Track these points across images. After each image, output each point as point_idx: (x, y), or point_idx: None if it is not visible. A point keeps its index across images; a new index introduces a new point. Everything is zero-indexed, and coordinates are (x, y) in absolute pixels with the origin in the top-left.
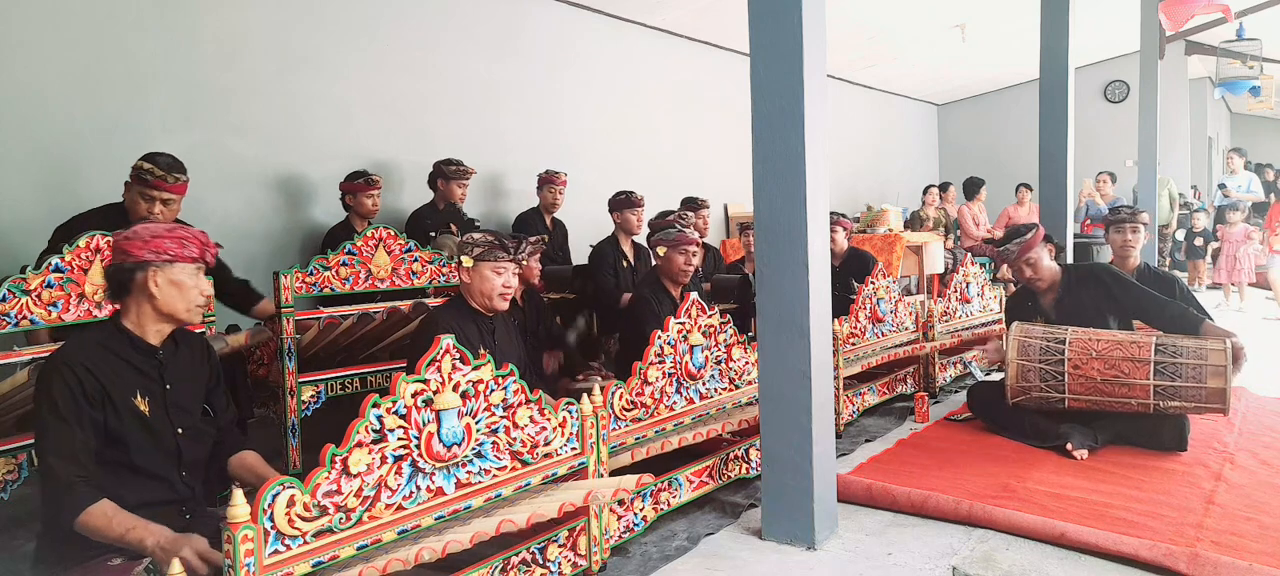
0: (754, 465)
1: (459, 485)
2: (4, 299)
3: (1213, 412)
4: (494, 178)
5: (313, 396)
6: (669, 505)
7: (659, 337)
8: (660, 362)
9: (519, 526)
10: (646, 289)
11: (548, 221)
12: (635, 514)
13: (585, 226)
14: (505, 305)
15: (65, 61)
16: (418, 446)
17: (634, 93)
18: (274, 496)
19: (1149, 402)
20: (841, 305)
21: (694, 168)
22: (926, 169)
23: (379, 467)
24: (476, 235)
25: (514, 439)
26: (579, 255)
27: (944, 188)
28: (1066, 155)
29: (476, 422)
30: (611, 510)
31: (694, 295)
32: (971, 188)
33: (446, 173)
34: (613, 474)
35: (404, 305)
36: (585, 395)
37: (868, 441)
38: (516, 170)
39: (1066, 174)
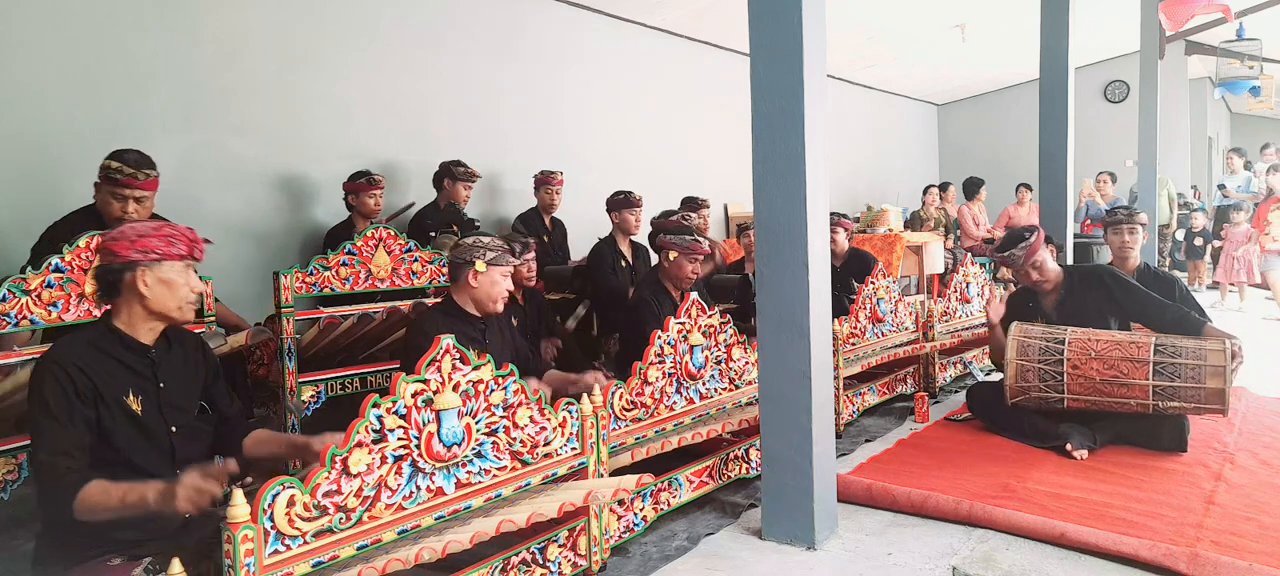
0: (754, 465)
1: (459, 485)
2: (4, 299)
3: (1212, 413)
4: (494, 177)
5: (313, 396)
6: (669, 505)
7: (659, 337)
8: (660, 362)
9: (519, 526)
10: (646, 290)
11: (547, 221)
12: (635, 514)
13: (585, 226)
14: (502, 307)
15: (65, 61)
16: (418, 446)
17: (634, 93)
18: (274, 496)
19: (1148, 403)
20: (842, 305)
21: (694, 167)
22: (926, 169)
23: (379, 467)
24: (486, 238)
25: (514, 439)
26: (579, 255)
27: (944, 188)
28: (1066, 155)
29: (476, 423)
30: (611, 510)
31: (694, 295)
32: (971, 188)
33: (454, 174)
34: (613, 474)
35: (404, 305)
36: (585, 395)
37: (868, 441)
38: (516, 170)
39: (1066, 174)
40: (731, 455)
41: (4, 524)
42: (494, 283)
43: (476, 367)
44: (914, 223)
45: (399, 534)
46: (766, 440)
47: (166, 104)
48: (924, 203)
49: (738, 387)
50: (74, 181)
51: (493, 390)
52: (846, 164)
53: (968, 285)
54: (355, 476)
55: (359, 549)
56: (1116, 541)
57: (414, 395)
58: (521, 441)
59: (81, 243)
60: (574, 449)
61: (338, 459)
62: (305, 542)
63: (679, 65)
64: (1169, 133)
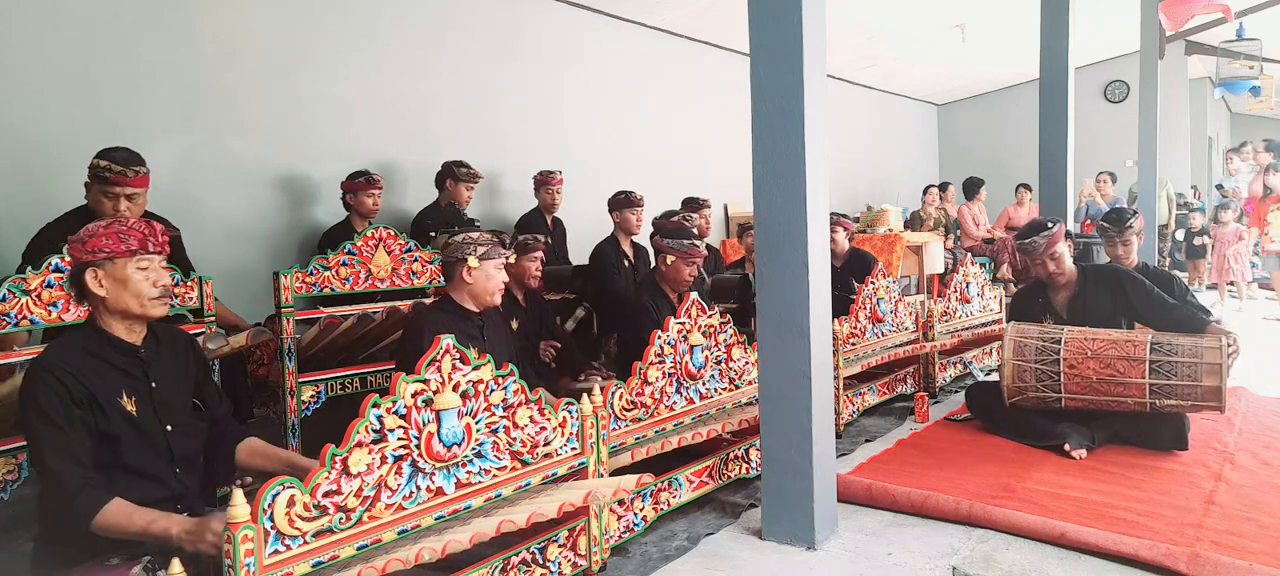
0: (754, 465)
1: (459, 485)
2: (4, 299)
3: (1209, 410)
4: (493, 177)
5: (313, 396)
6: (669, 505)
7: (659, 337)
8: (660, 363)
9: (519, 526)
10: (645, 293)
11: (548, 221)
12: (635, 514)
13: (585, 226)
14: (499, 300)
15: (65, 61)
16: (418, 446)
17: (634, 93)
18: (274, 496)
19: (1145, 401)
20: (842, 305)
21: (694, 168)
22: (926, 169)
23: (379, 467)
24: (475, 233)
25: (514, 439)
26: (579, 255)
27: (944, 188)
28: (1066, 155)
29: (476, 422)
30: (611, 510)
31: (694, 295)
32: (971, 188)
33: (457, 174)
34: (613, 474)
35: (404, 305)
36: (585, 395)
37: (868, 441)
38: (516, 170)
39: (1066, 174)
40: (731, 455)
41: (4, 524)
42: (489, 276)
43: (476, 367)
44: (914, 223)
45: (399, 534)
46: (766, 440)
47: (166, 104)
48: (924, 202)
49: (738, 387)
50: (74, 182)
51: (493, 390)
52: (846, 164)
53: (967, 285)
54: (355, 476)
55: (359, 549)
56: (1116, 541)
57: (414, 395)
58: (521, 441)
59: None
60: (574, 449)
61: (338, 459)
62: (305, 542)
63: (679, 65)
64: (1169, 133)
